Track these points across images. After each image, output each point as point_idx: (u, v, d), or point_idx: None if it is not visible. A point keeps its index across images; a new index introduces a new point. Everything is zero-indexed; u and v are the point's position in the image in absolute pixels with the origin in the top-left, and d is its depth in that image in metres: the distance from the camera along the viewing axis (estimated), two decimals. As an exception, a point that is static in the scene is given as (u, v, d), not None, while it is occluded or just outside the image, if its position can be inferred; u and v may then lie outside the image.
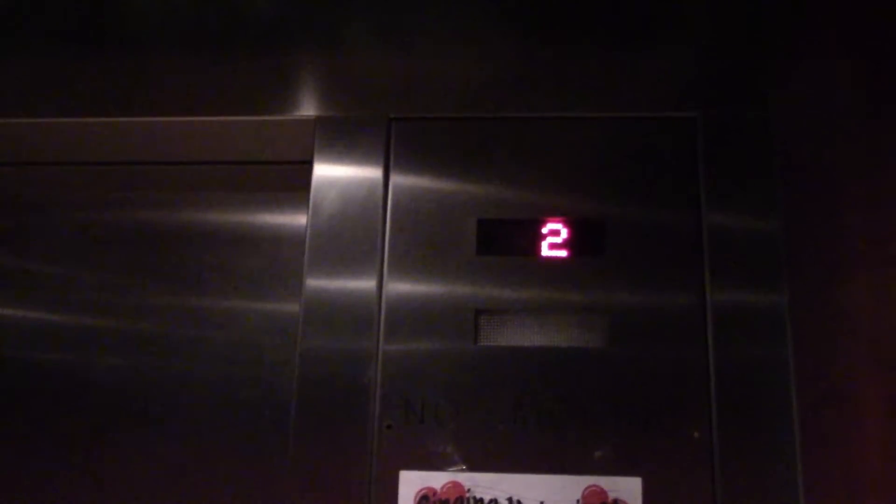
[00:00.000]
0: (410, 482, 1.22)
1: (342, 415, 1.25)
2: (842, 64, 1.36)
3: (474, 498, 1.21)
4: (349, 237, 1.32)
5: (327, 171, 1.36)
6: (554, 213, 1.32)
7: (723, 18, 1.40)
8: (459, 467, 1.22)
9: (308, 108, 1.41)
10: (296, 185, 1.42)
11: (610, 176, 1.33)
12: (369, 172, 1.35)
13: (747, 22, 1.39)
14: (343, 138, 1.37)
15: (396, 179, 1.35)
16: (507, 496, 1.20)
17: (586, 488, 1.19)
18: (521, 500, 1.20)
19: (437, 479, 1.21)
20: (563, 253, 1.30)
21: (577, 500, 1.19)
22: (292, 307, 1.38)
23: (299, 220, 1.46)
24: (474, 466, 1.22)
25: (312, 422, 1.26)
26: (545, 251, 1.30)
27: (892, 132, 1.32)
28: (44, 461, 1.45)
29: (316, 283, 1.31)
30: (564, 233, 1.31)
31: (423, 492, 1.21)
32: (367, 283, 1.30)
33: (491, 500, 1.20)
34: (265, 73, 1.43)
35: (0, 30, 1.51)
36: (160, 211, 1.55)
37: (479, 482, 1.21)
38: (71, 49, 1.49)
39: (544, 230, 1.31)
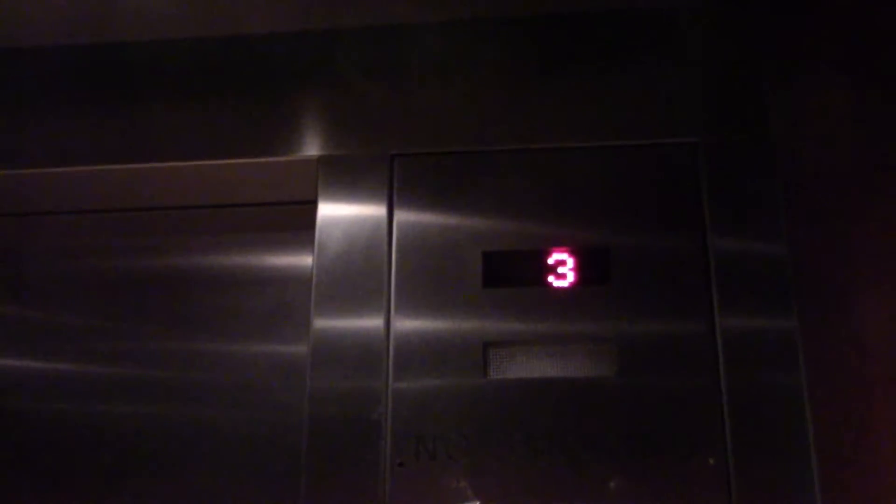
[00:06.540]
0: (424, 520, 1.21)
1: (354, 454, 1.24)
2: (842, 84, 1.36)
3: (489, 534, 1.20)
4: (355, 275, 1.32)
5: (332, 210, 1.37)
6: (559, 244, 1.31)
7: (720, 43, 1.40)
8: (473, 503, 1.21)
9: (310, 149, 1.42)
10: (301, 225, 1.42)
11: (614, 204, 1.33)
12: (373, 210, 1.36)
13: (745, 45, 1.39)
14: (346, 177, 1.38)
15: (400, 216, 1.35)
16: (523, 531, 1.19)
17: (602, 520, 1.18)
18: (537, 535, 1.19)
19: (451, 516, 1.20)
20: (569, 283, 1.29)
21: (594, 533, 1.18)
22: (300, 348, 1.38)
23: (305, 260, 1.47)
24: (488, 501, 1.20)
25: (324, 462, 1.25)
26: (551, 281, 1.30)
27: (896, 150, 1.32)
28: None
29: (323, 322, 1.31)
30: (570, 262, 1.30)
31: (438, 529, 1.21)
32: (374, 321, 1.30)
33: (506, 536, 1.19)
34: (267, 115, 1.44)
35: None
36: (165, 256, 1.56)
37: (494, 518, 1.20)
38: (72, 97, 1.50)
39: (550, 260, 1.31)
